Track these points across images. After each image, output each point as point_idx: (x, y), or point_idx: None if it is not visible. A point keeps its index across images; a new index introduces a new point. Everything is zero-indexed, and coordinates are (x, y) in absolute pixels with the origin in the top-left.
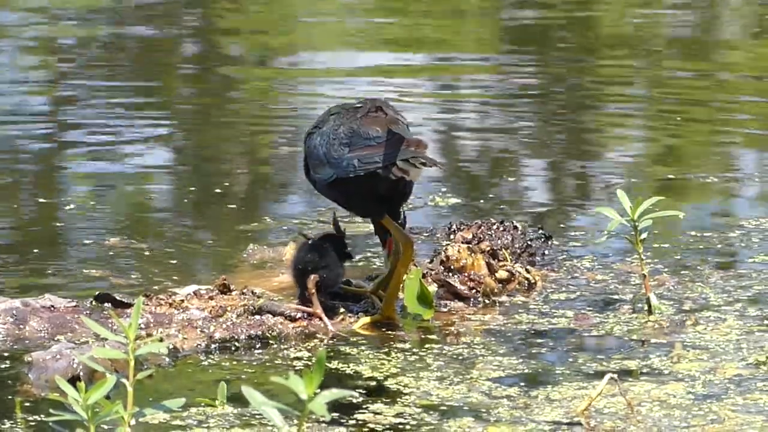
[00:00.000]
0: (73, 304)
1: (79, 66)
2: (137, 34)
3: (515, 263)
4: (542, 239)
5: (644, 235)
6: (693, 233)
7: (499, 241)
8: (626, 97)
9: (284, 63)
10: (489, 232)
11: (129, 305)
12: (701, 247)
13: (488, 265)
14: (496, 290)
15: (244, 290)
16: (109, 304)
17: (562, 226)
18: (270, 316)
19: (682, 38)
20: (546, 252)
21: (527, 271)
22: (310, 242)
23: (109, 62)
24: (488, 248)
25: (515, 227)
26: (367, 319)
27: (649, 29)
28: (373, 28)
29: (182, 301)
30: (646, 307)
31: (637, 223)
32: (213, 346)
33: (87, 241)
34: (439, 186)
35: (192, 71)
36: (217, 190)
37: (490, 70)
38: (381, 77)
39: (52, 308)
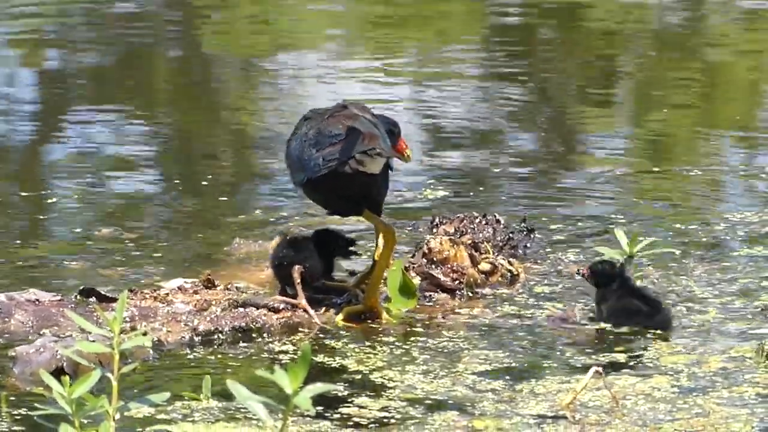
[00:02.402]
0: (58, 297)
1: (63, 59)
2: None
3: (497, 256)
4: (525, 232)
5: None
6: (678, 226)
7: (480, 235)
8: (612, 91)
9: (272, 56)
10: (471, 226)
11: (113, 300)
12: (686, 239)
13: (471, 257)
14: (479, 281)
15: (229, 286)
16: (94, 298)
17: (545, 219)
18: (254, 308)
19: (670, 33)
20: (528, 245)
21: (510, 263)
22: (288, 237)
23: (95, 57)
24: (470, 241)
25: (498, 221)
26: (350, 309)
27: (636, 25)
28: (359, 23)
29: (167, 294)
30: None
31: (633, 258)
32: (197, 339)
33: (71, 235)
34: (427, 179)
35: (178, 61)
36: (204, 183)
37: (478, 63)
38: (367, 73)
39: (37, 302)
